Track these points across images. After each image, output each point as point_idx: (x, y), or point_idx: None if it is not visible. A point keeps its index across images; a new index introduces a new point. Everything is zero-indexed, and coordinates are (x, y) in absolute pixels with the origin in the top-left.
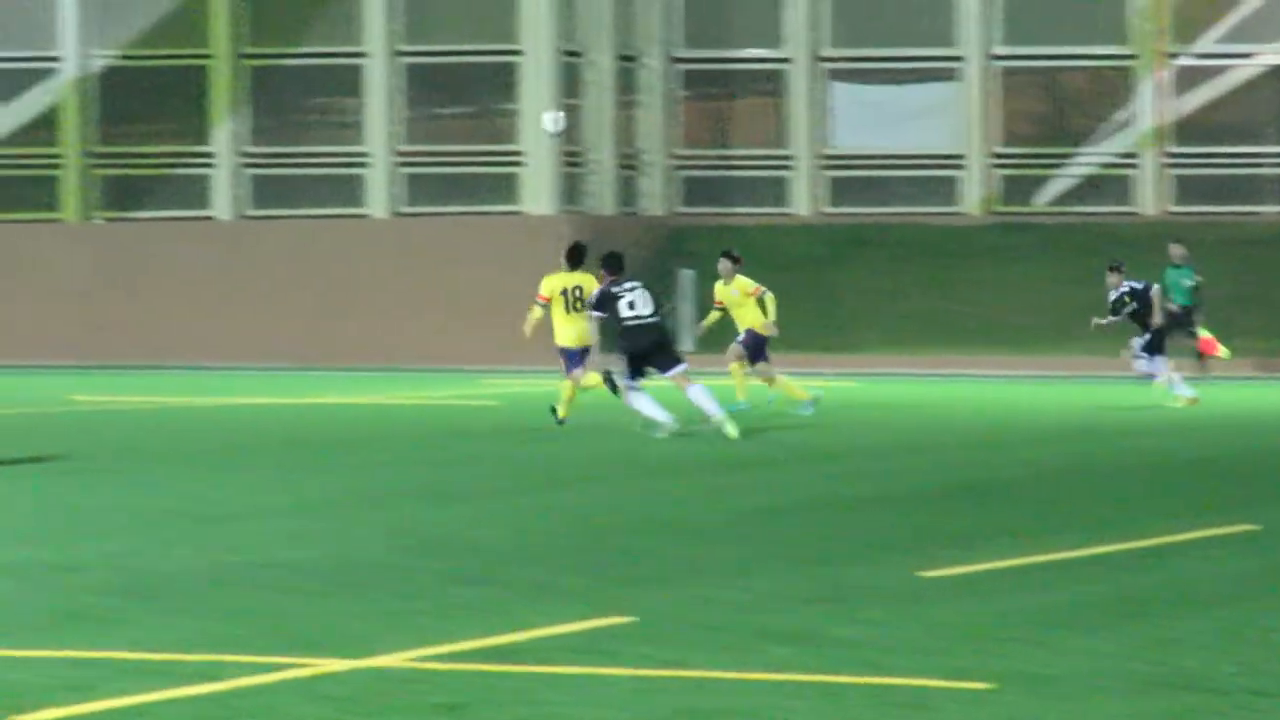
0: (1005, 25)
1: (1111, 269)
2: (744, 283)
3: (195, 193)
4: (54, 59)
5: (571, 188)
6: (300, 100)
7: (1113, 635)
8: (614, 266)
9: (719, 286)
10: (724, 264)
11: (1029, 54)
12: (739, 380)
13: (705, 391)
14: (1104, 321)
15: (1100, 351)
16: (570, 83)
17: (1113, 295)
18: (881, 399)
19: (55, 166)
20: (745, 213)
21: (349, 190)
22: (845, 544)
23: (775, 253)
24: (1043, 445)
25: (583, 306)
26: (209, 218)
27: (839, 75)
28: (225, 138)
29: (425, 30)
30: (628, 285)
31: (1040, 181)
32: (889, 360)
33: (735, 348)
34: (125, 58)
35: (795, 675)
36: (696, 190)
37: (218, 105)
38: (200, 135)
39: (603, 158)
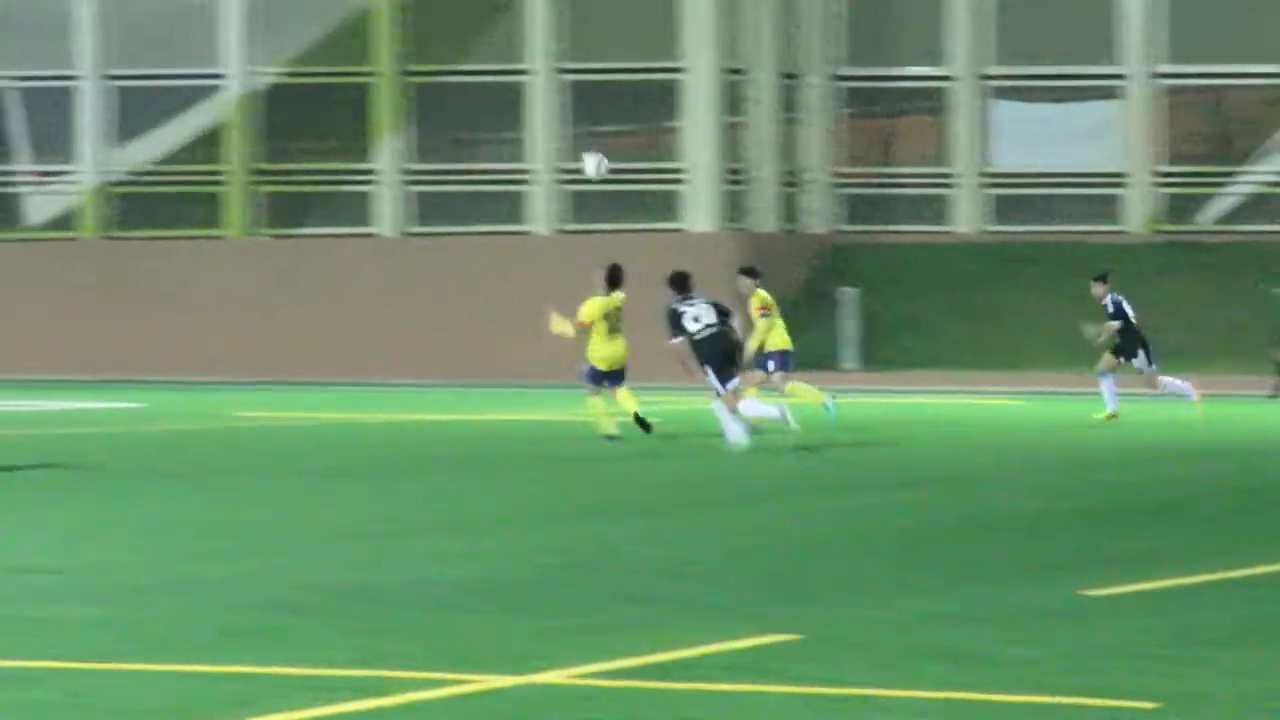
0: (1170, 44)
1: (1096, 280)
2: (755, 298)
3: (358, 209)
4: (218, 76)
5: (733, 205)
6: (463, 117)
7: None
8: (681, 286)
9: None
10: (741, 280)
11: (1194, 72)
12: (803, 394)
13: (753, 408)
14: (1097, 330)
15: (1264, 370)
16: (732, 100)
17: (1102, 304)
18: (1044, 417)
19: (219, 184)
20: (906, 230)
21: (511, 207)
22: (1007, 562)
23: (936, 271)
24: (1206, 462)
25: (622, 327)
26: (372, 234)
27: (1002, 93)
28: (388, 155)
29: (588, 48)
30: (689, 300)
31: (1204, 200)
32: (1051, 378)
33: (778, 375)
34: (289, 75)
35: (956, 693)
36: (858, 208)
37: (381, 122)
38: (363, 152)
39: (764, 175)
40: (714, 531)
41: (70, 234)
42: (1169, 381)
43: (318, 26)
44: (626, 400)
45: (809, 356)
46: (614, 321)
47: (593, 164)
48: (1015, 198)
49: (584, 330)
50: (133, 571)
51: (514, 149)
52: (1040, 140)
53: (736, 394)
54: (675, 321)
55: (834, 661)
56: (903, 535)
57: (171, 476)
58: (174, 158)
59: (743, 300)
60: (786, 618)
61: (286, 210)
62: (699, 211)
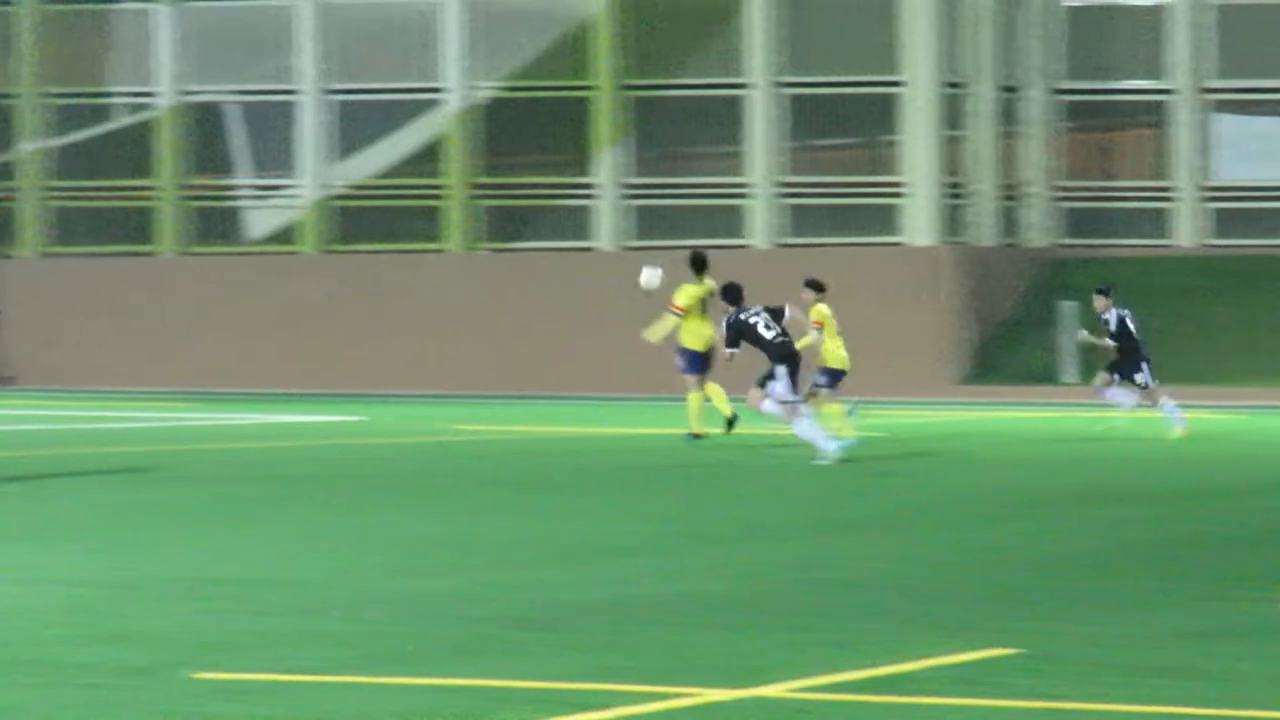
0: None
1: (1099, 292)
2: (813, 312)
3: (577, 223)
4: (438, 91)
5: (952, 219)
6: (682, 131)
7: None
8: (735, 296)
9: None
10: (804, 292)
11: None
12: (834, 416)
13: (811, 424)
14: (1097, 340)
15: None
16: (952, 113)
17: (1104, 318)
18: (1265, 434)
19: (439, 198)
20: (1126, 244)
21: (730, 221)
22: (1236, 578)
23: (1155, 285)
24: None
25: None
26: (591, 248)
27: (1224, 107)
28: (607, 169)
29: (807, 62)
30: (752, 310)
31: None
32: (1272, 394)
33: (825, 392)
34: (508, 89)
35: (1179, 709)
36: (1077, 222)
37: (600, 136)
38: (582, 166)
39: (983, 189)
40: (943, 545)
41: (291, 248)
42: (1167, 403)
43: (537, 40)
44: (717, 397)
45: (1027, 370)
46: (705, 306)
47: (649, 276)
48: (1236, 211)
49: (681, 315)
50: (357, 585)
51: (733, 163)
52: (1262, 154)
53: (795, 408)
54: (742, 329)
55: (1055, 676)
56: (1128, 550)
57: (393, 490)
58: (394, 172)
59: (804, 310)
60: (1009, 632)
61: (506, 224)
62: (918, 225)
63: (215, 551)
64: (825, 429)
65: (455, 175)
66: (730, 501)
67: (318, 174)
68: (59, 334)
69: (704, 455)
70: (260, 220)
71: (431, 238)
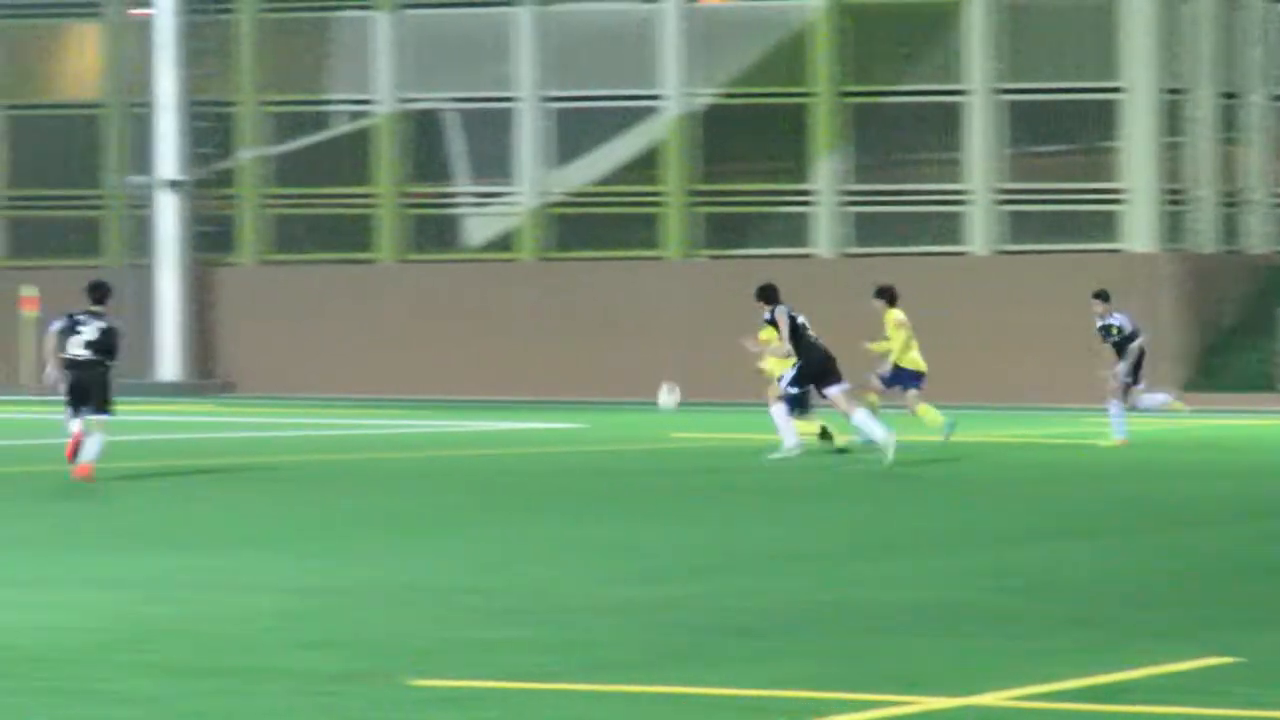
0: None
1: (1096, 296)
2: (888, 317)
3: (795, 230)
4: (656, 98)
5: (1173, 225)
6: (900, 138)
7: None
8: (771, 297)
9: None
10: (874, 302)
11: None
12: (930, 416)
13: (868, 415)
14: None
15: None
16: (1172, 120)
17: (1099, 324)
18: None
19: (657, 205)
20: None
21: (948, 228)
22: None
23: None
24: None
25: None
26: (809, 255)
27: None
28: (826, 176)
29: (1026, 68)
30: (790, 308)
31: None
32: None
33: (912, 393)
34: (726, 96)
35: None
36: None
37: (818, 143)
38: (801, 173)
39: (1203, 195)
40: (1161, 554)
41: (508, 255)
42: (1121, 406)
43: (755, 48)
44: (840, 401)
45: (1246, 377)
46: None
47: (666, 397)
48: None
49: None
50: (573, 592)
51: (951, 169)
52: None
53: (848, 398)
54: (796, 330)
55: (1277, 685)
56: None
57: (607, 497)
58: (611, 179)
59: (877, 319)
60: (1230, 641)
61: (723, 231)
62: (1138, 232)
63: (427, 558)
64: (882, 427)
65: (673, 182)
66: (930, 509)
67: (535, 181)
68: (277, 341)
69: (904, 464)
70: (478, 228)
71: (650, 245)
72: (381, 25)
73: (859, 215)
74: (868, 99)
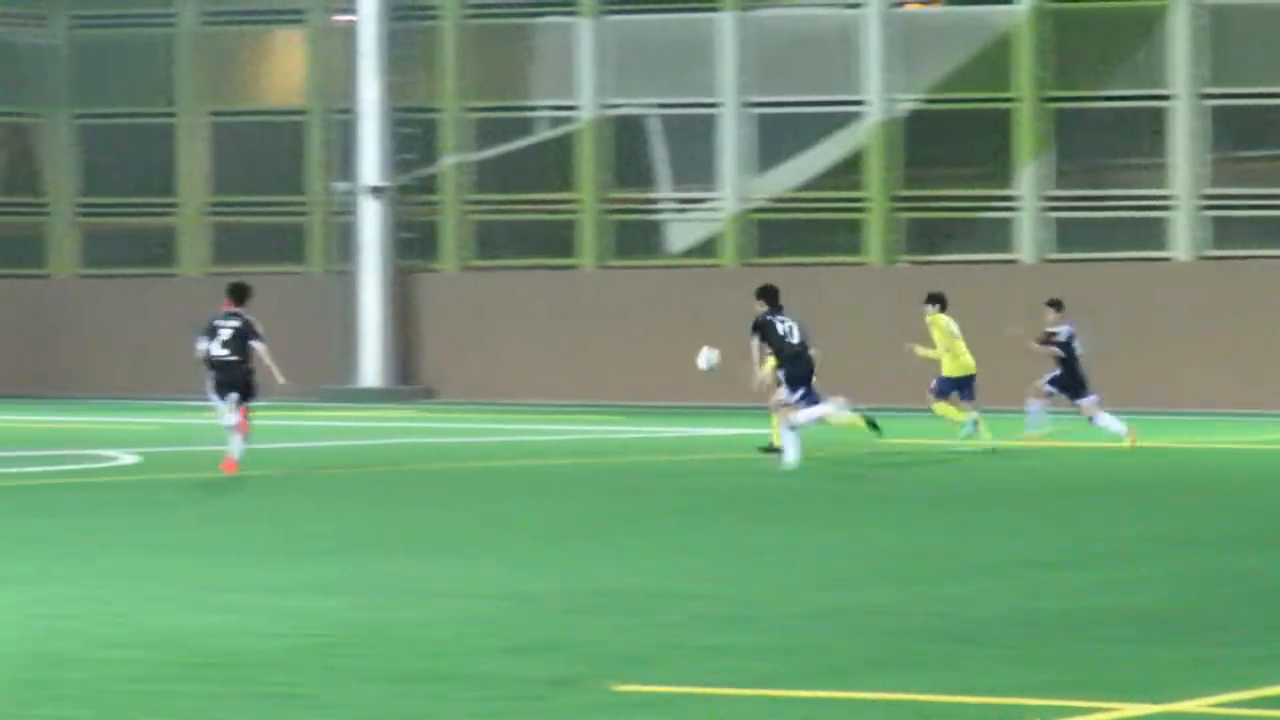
0: None
1: (1049, 304)
2: (936, 323)
3: (998, 236)
4: (858, 103)
5: None
6: (1103, 143)
7: None
8: (772, 299)
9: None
10: (926, 308)
11: None
12: (954, 414)
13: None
14: (1037, 347)
15: None
16: None
17: (1053, 330)
18: None
19: (859, 211)
20: None
21: (1152, 233)
22: None
23: None
24: None
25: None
26: (1012, 261)
27: None
28: (1028, 181)
29: (1231, 72)
30: (781, 316)
31: None
32: None
33: (955, 398)
34: (929, 101)
35: None
36: None
37: (1021, 148)
38: (1003, 179)
39: None
40: None
41: (711, 261)
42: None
43: (958, 52)
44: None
45: None
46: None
47: (708, 357)
48: None
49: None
50: (773, 598)
51: (1155, 175)
52: None
53: (797, 406)
54: (768, 331)
55: None
56: None
57: (807, 503)
58: (813, 184)
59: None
60: None
61: (926, 237)
62: None
63: (628, 563)
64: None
65: (875, 188)
66: (1131, 516)
67: (738, 187)
68: (478, 347)
69: (1109, 468)
70: (680, 233)
71: (852, 251)
72: (584, 31)
73: (1061, 221)
74: (1070, 104)
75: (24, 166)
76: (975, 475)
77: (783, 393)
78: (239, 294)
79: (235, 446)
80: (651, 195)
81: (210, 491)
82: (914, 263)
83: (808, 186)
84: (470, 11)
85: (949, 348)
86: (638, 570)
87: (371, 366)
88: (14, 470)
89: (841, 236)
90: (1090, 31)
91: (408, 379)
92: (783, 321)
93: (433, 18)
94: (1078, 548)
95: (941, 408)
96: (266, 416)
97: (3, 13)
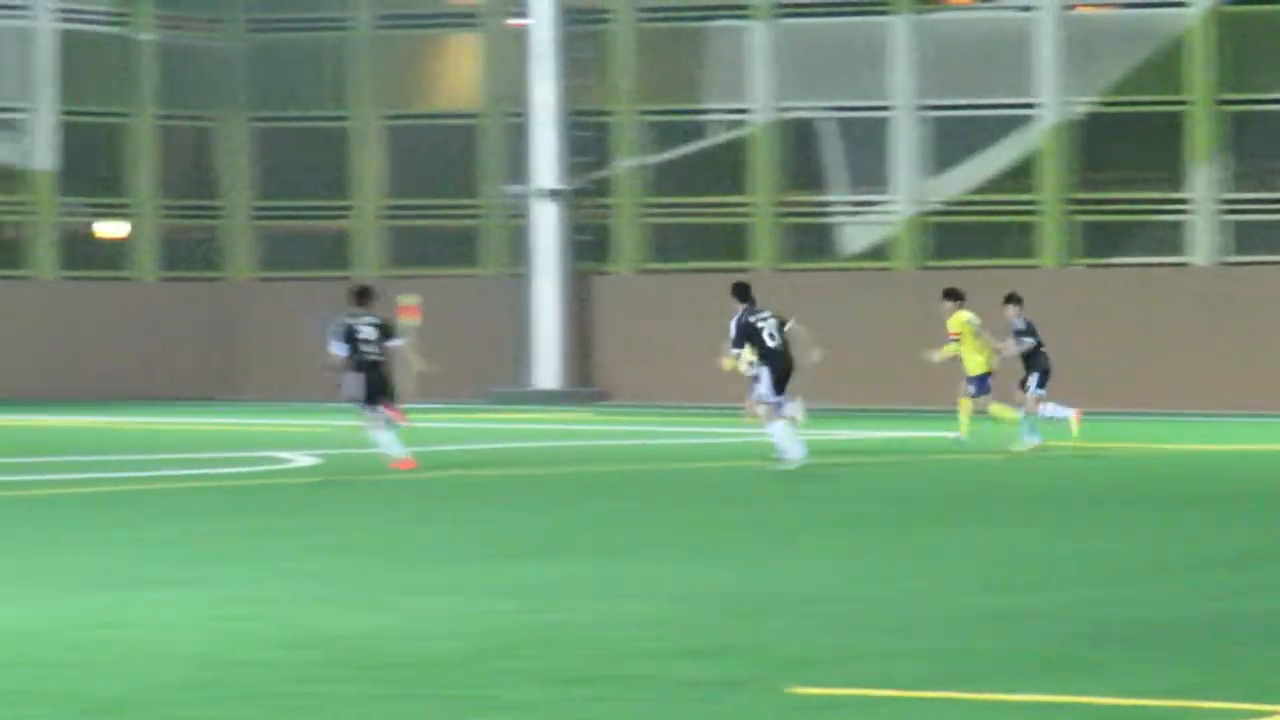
0: None
1: (1008, 300)
2: (952, 321)
3: (1172, 239)
4: (1032, 106)
5: None
6: (1277, 146)
7: None
8: (744, 295)
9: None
10: (943, 304)
11: None
12: (1005, 414)
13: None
14: (1007, 348)
15: None
16: None
17: (1015, 326)
18: None
19: (1033, 214)
20: None
21: None
22: None
23: None
24: None
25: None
26: (1186, 264)
27: None
28: (1203, 183)
29: None
30: (762, 315)
31: None
32: None
33: (980, 398)
34: (1103, 104)
35: None
36: None
37: (1195, 151)
38: (1177, 181)
39: None
40: None
41: (885, 264)
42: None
43: (1132, 54)
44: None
45: None
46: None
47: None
48: None
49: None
50: (942, 601)
51: None
52: None
53: (770, 408)
54: (750, 334)
55: None
56: None
57: (978, 506)
58: (987, 188)
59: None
60: None
61: (1100, 240)
62: None
63: (799, 567)
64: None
65: (1049, 191)
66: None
67: (912, 190)
68: (651, 350)
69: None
70: (854, 236)
71: (1025, 253)
72: (758, 34)
73: (1236, 224)
74: (1245, 106)
75: (201, 170)
76: (1157, 476)
77: (763, 391)
78: (366, 296)
79: (397, 445)
80: (825, 198)
81: (387, 493)
82: (1088, 266)
83: (981, 189)
84: (644, 15)
85: (979, 339)
86: (807, 573)
87: (546, 369)
88: (195, 473)
89: (1015, 239)
90: (1264, 34)
91: (583, 381)
92: (764, 320)
93: (606, 21)
94: (1235, 550)
95: (997, 409)
96: (439, 419)
97: (180, 17)
